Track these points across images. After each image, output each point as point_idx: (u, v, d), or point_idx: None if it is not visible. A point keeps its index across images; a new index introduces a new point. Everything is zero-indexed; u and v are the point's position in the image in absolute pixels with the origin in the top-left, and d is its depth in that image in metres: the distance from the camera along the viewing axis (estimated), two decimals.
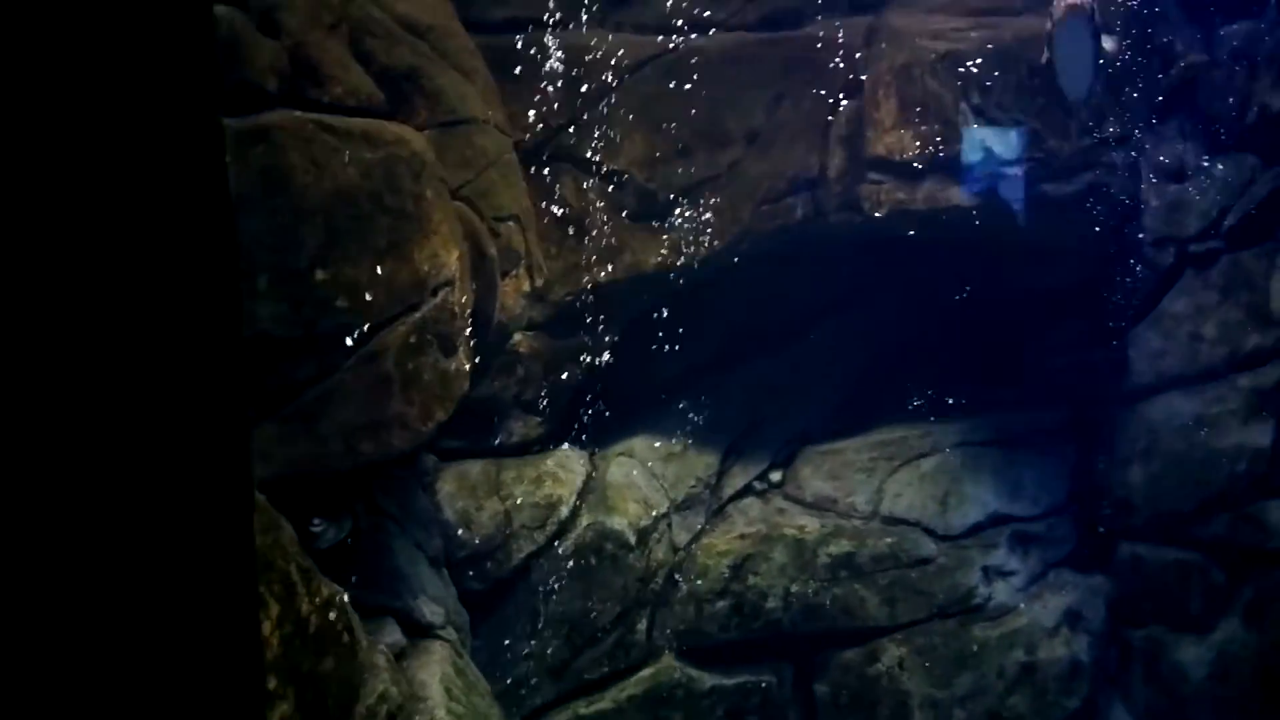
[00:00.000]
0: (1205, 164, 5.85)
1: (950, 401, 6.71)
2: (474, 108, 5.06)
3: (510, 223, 5.12)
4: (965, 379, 6.67)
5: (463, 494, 5.88)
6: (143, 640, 0.87)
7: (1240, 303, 5.73)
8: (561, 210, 5.95)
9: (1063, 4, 4.37)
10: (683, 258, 6.15)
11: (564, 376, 6.22)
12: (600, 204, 6.04)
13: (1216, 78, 5.88)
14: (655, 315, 6.38)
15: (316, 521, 4.36)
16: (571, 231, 6.01)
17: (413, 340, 4.36)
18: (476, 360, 5.04)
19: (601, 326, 6.24)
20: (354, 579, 4.32)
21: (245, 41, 3.94)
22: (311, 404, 4.17)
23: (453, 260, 4.52)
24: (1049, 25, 4.64)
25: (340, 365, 4.21)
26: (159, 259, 0.97)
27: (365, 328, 4.21)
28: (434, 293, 4.46)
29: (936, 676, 5.99)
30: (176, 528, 0.91)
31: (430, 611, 5.25)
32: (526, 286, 5.23)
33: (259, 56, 4.05)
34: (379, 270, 4.25)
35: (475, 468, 5.99)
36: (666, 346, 6.44)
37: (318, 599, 4.06)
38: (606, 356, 6.29)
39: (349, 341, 4.17)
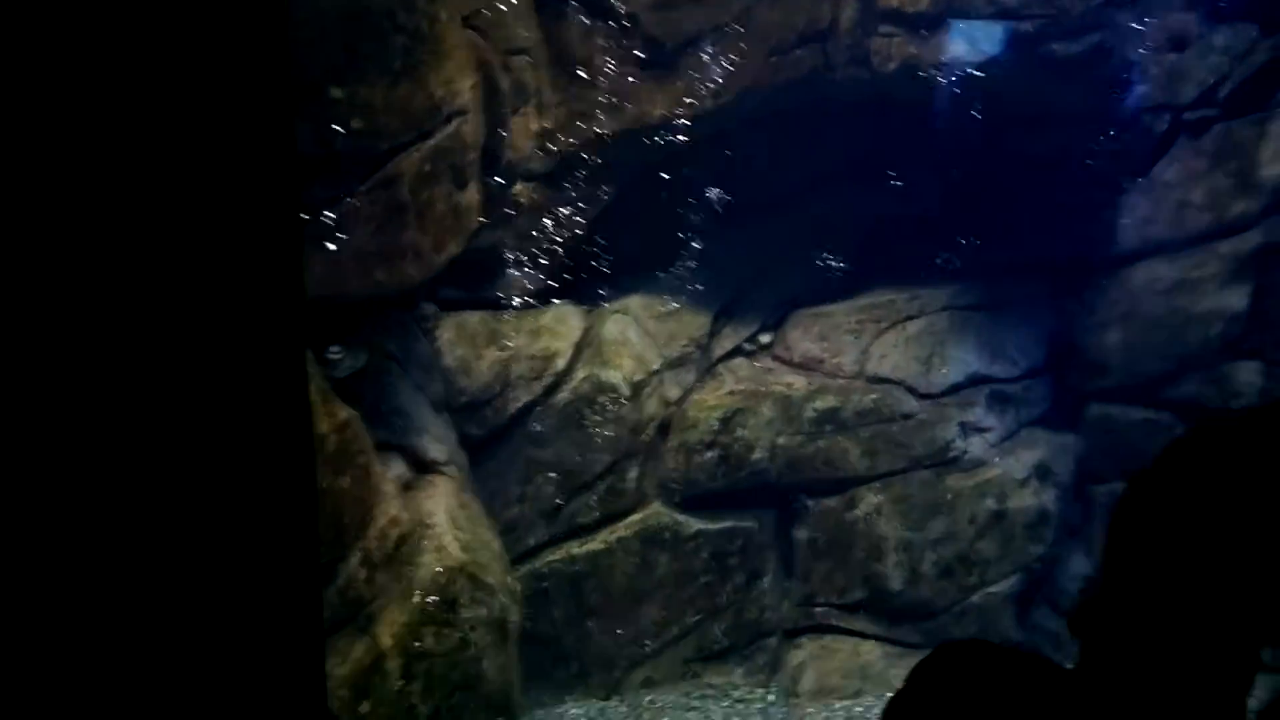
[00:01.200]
0: (1205, 33, 5.97)
1: (940, 264, 6.94)
2: None
3: (522, 56, 5.12)
4: (957, 245, 6.88)
5: (462, 343, 6.04)
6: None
7: (1229, 170, 5.97)
8: (568, 54, 5.90)
9: None
10: (687, 110, 6.17)
11: (563, 230, 6.30)
12: (608, 49, 5.99)
13: None
14: (655, 173, 6.44)
15: (334, 349, 4.51)
16: (576, 78, 5.98)
17: (427, 168, 4.43)
18: (485, 197, 5.11)
19: (602, 181, 6.30)
20: (362, 413, 4.51)
21: None
22: (328, 227, 4.25)
23: (466, 88, 4.54)
24: None
25: (356, 189, 4.28)
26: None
27: (382, 150, 4.26)
28: (448, 120, 4.50)
29: (911, 521, 6.45)
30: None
31: (434, 449, 5.50)
32: (535, 126, 5.27)
33: None
34: (394, 92, 4.27)
35: (474, 318, 6.14)
36: (665, 203, 6.52)
37: (336, 418, 4.26)
38: (605, 211, 6.36)
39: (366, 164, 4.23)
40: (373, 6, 4.20)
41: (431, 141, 4.44)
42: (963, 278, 6.94)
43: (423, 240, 4.49)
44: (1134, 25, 5.99)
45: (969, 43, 5.79)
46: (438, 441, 5.35)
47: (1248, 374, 5.94)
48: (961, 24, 5.74)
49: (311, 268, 4.32)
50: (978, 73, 5.94)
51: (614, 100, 6.07)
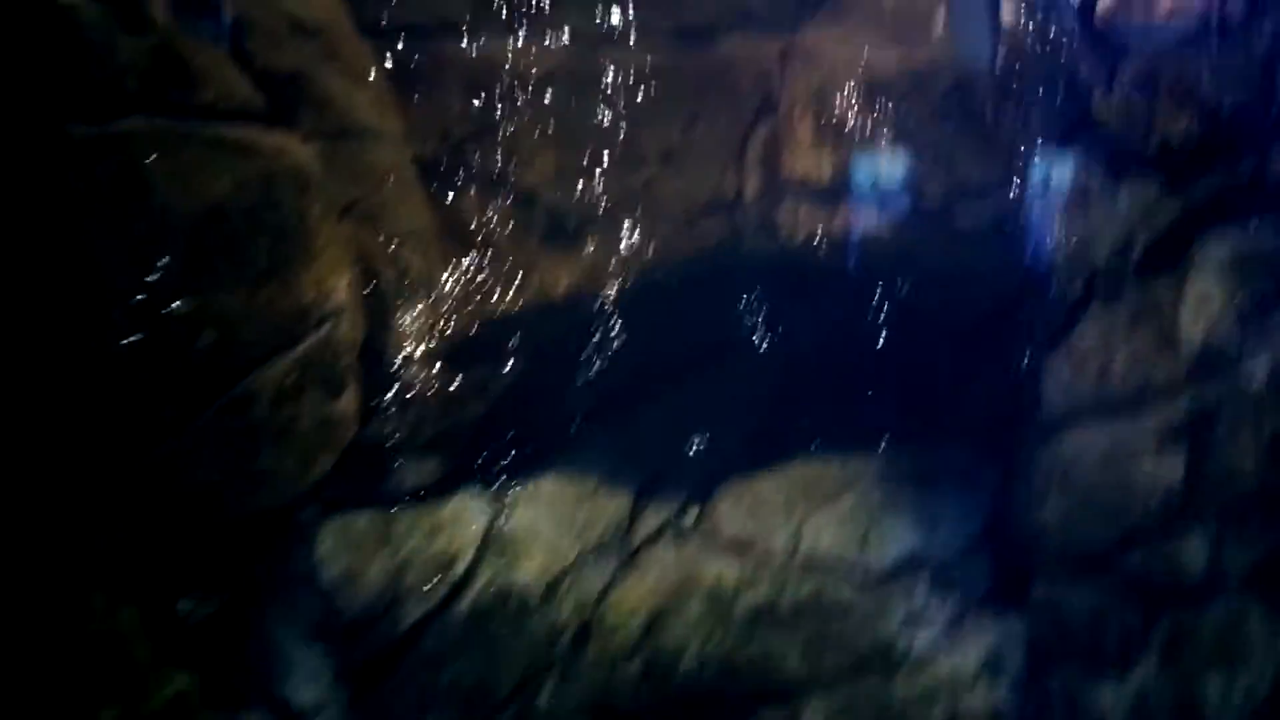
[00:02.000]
0: (1111, 191, 6.06)
1: (868, 432, 6.73)
2: (367, 117, 4.72)
3: (407, 245, 4.78)
4: (883, 408, 6.70)
5: (347, 551, 5.42)
6: None
7: (1149, 333, 5.93)
8: (464, 230, 5.63)
9: None
10: (593, 283, 5.94)
11: (465, 413, 5.87)
12: (507, 223, 5.76)
13: (1118, 103, 6.12)
14: (563, 344, 6.13)
15: (182, 600, 3.86)
16: (475, 253, 5.69)
17: (291, 381, 3.96)
18: (366, 399, 4.65)
19: (506, 357, 5.94)
20: (217, 661, 3.84)
21: (101, 39, 3.48)
22: (170, 456, 3.69)
23: (341, 287, 4.14)
24: None
25: (205, 412, 3.76)
26: None
27: (236, 365, 3.78)
28: (318, 324, 4.08)
29: None
30: None
31: (305, 691, 4.82)
32: (424, 314, 4.88)
33: (118, 55, 3.60)
34: (254, 298, 3.83)
35: (362, 519, 5.54)
36: (575, 377, 6.19)
37: (168, 691, 3.59)
38: (511, 390, 5.99)
39: (216, 382, 3.73)
40: (231, 206, 3.81)
41: (298, 350, 3.99)
42: (892, 445, 6.72)
43: (284, 463, 3.97)
44: (1039, 185, 6.06)
45: (876, 213, 5.75)
46: (310, 682, 4.65)
47: (1193, 546, 5.73)
48: (867, 195, 5.71)
49: (150, 502, 3.72)
50: (887, 240, 5.89)
51: (514, 275, 5.81)
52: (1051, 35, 5.93)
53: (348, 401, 4.26)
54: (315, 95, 4.51)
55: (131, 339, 3.45)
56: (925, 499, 6.64)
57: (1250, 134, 6.09)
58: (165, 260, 3.60)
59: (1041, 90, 5.86)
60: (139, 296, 3.51)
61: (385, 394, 5.09)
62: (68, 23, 3.24)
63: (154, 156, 3.60)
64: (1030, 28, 5.64)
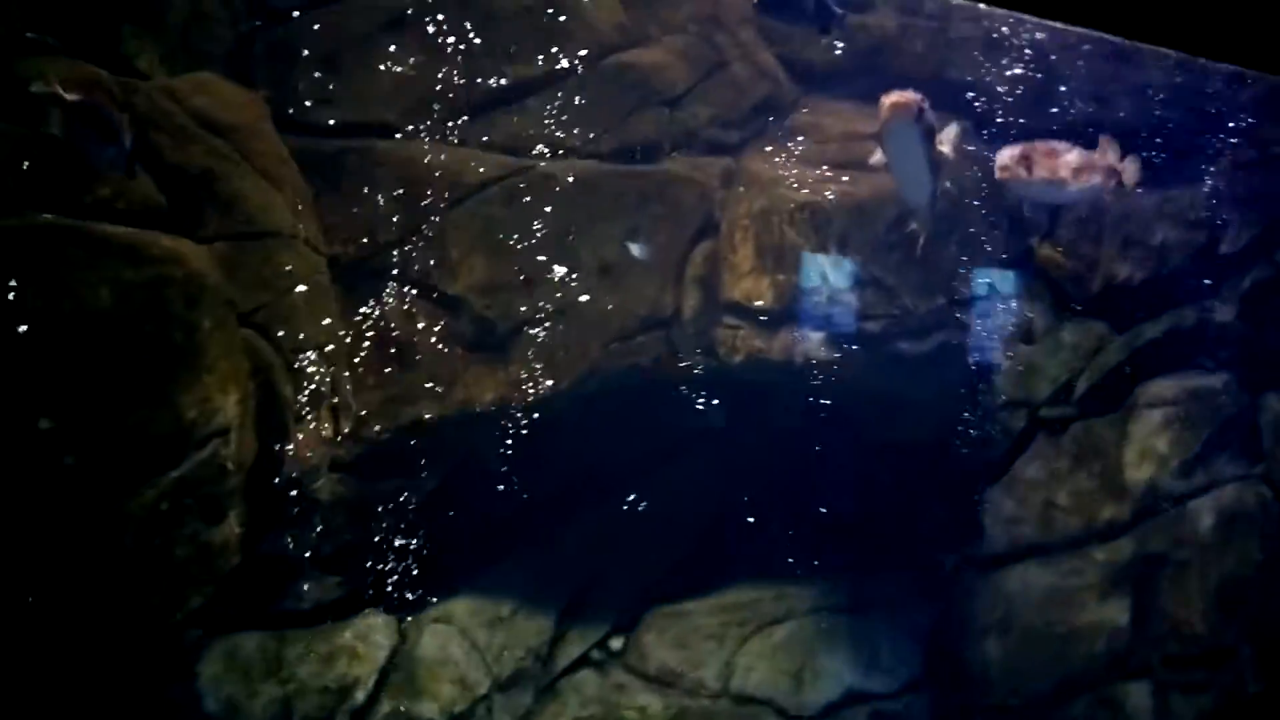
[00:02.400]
0: (1054, 328, 6.05)
1: (804, 559, 6.48)
2: (279, 219, 4.51)
3: (314, 356, 4.52)
4: (819, 534, 6.47)
5: (231, 677, 4.99)
6: None
7: (1093, 471, 5.85)
8: (385, 335, 5.39)
9: (886, 103, 4.30)
10: (522, 395, 5.69)
11: (373, 527, 5.51)
12: (432, 331, 5.53)
13: (1062, 242, 6.16)
14: (486, 456, 5.85)
15: None
16: (395, 360, 5.44)
17: (165, 507, 3.62)
18: (258, 518, 4.31)
19: (422, 468, 5.64)
20: None
21: None
22: (36, 582, 3.33)
23: (230, 404, 3.86)
24: (878, 127, 4.61)
25: (65, 539, 3.41)
26: None
27: (102, 490, 3.45)
28: (200, 445, 3.77)
29: None
30: None
31: None
32: (329, 431, 4.59)
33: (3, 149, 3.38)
34: (129, 418, 3.53)
35: (250, 642, 5.12)
36: (497, 491, 5.89)
37: None
38: (426, 503, 5.66)
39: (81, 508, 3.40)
40: (112, 317, 3.54)
41: (175, 473, 3.67)
42: (829, 573, 6.48)
43: (151, 597, 3.59)
44: (981, 319, 6.02)
45: (816, 338, 5.63)
46: None
47: (1138, 695, 5.52)
48: (807, 321, 5.60)
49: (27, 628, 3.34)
50: (828, 367, 5.75)
51: (437, 384, 5.56)
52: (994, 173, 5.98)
53: (230, 528, 3.93)
54: (224, 195, 4.30)
55: None
56: (863, 632, 6.37)
57: (1194, 281, 6.17)
58: (32, 378, 3.31)
59: (985, 227, 5.88)
60: None
61: (281, 510, 4.74)
62: None
63: (26, 260, 3.34)
64: (973, 166, 5.69)
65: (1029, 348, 6.02)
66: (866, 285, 5.61)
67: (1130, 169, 4.82)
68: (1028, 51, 6.02)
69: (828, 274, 5.60)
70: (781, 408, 6.21)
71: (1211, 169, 6.25)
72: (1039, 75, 6.07)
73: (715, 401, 6.09)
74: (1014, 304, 5.99)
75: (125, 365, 3.56)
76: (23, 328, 3.30)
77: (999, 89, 6.07)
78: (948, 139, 4.50)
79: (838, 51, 6.21)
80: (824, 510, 6.36)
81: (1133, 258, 6.10)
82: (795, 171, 5.76)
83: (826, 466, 6.29)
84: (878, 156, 4.54)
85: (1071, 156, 4.64)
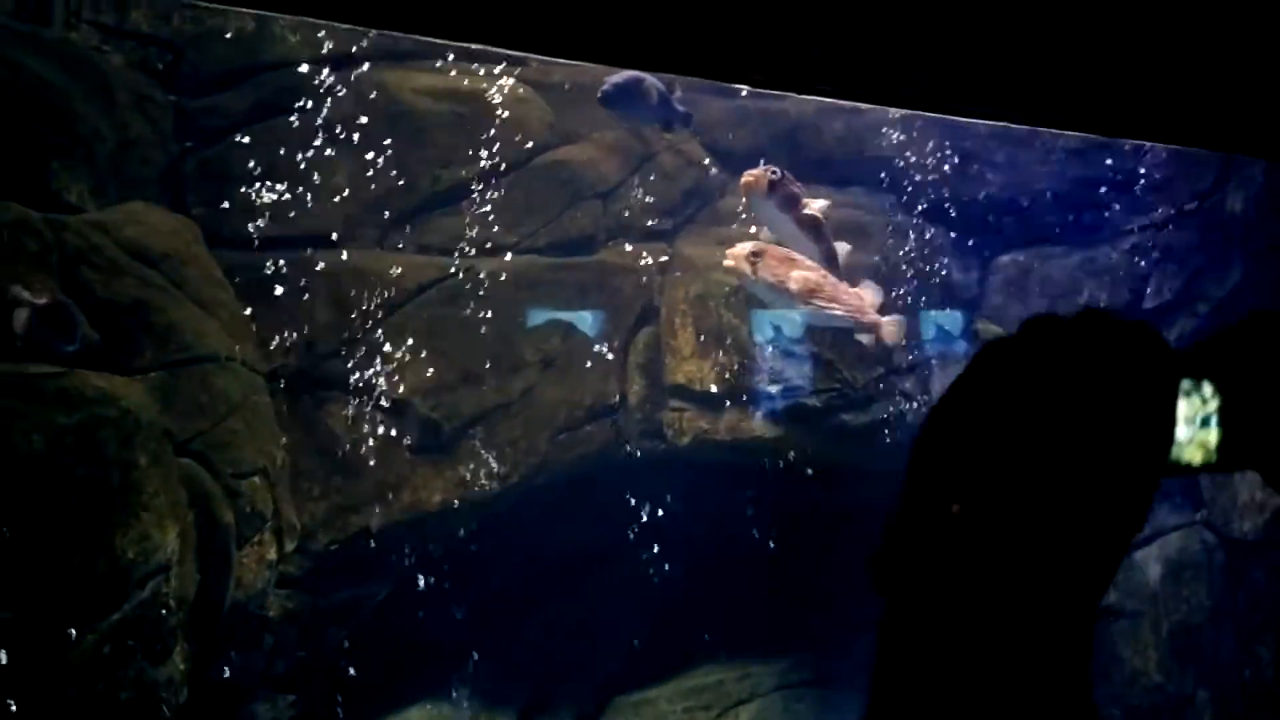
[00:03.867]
0: None
1: (765, 638, 6.57)
2: (214, 343, 4.61)
3: (254, 479, 4.58)
4: (780, 612, 6.57)
5: None
6: None
7: None
8: (329, 445, 5.47)
9: (742, 181, 4.53)
10: (472, 493, 5.78)
11: (325, 641, 5.52)
12: (376, 436, 5.62)
13: (994, 309, 6.46)
14: (438, 559, 5.90)
15: None
16: (340, 468, 5.52)
17: (107, 651, 3.64)
18: (204, 651, 4.32)
19: (373, 576, 5.68)
20: None
21: None
22: None
23: (169, 540, 3.90)
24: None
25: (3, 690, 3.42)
26: None
27: (39, 638, 3.47)
28: (141, 584, 3.80)
29: None
30: None
31: None
32: (273, 554, 4.64)
33: None
34: (65, 565, 3.57)
35: None
36: (450, 593, 5.93)
37: None
38: (378, 612, 5.69)
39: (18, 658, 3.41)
40: (43, 464, 3.61)
41: (116, 615, 3.70)
42: (792, 649, 6.56)
43: None
44: (921, 386, 6.25)
45: (760, 418, 5.82)
46: None
47: None
48: (750, 399, 5.79)
49: None
50: (772, 441, 5.94)
51: (383, 489, 5.63)
52: (927, 240, 6.29)
53: (175, 666, 3.94)
54: (158, 325, 4.40)
55: None
56: (829, 706, 6.45)
57: None
58: None
59: (919, 297, 6.16)
60: None
61: (229, 636, 4.75)
62: None
63: None
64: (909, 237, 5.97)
65: None
66: (805, 361, 5.82)
67: (891, 329, 4.94)
68: (944, 129, 6.39)
69: (767, 353, 5.82)
70: (730, 488, 6.36)
71: (1129, 228, 6.62)
72: (959, 150, 6.43)
73: (666, 484, 6.23)
74: (951, 369, 6.24)
75: (60, 510, 3.61)
76: None
77: (922, 165, 6.42)
78: (817, 208, 4.76)
79: (758, 135, 6.54)
80: (781, 588, 6.48)
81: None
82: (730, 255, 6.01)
83: (783, 540, 6.43)
84: (763, 231, 4.87)
85: (809, 275, 4.66)
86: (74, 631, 3.57)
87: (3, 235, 4.02)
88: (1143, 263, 6.71)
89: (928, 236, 6.34)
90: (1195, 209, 6.63)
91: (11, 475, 3.53)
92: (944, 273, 6.31)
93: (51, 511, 3.60)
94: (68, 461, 3.67)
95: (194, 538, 4.14)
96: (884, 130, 6.47)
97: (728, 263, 4.80)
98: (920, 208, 6.37)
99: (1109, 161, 6.62)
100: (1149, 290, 6.70)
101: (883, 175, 6.33)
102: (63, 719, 3.56)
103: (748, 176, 4.55)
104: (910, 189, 6.36)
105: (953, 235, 6.50)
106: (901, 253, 6.16)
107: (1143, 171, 6.70)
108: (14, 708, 3.43)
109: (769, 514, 6.39)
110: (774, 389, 5.83)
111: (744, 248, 4.75)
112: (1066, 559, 0.86)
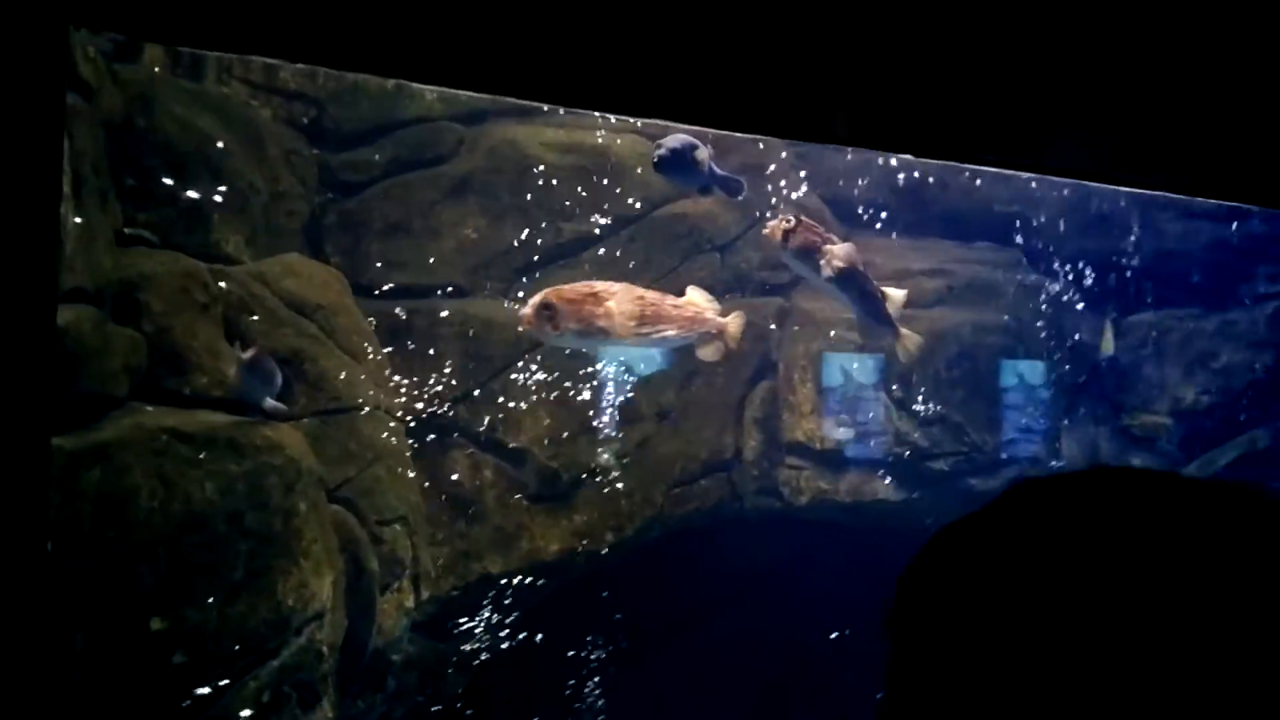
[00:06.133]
0: (1123, 456, 6.21)
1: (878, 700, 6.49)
2: (361, 392, 4.82)
3: (396, 525, 4.76)
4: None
5: None
6: None
7: None
8: (453, 491, 5.64)
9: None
10: (587, 544, 5.89)
11: (446, 687, 5.64)
12: (496, 483, 5.78)
13: (1125, 368, 6.38)
14: (553, 608, 6.00)
15: None
16: (462, 514, 5.68)
17: (266, 699, 3.80)
18: (343, 698, 4.47)
19: (491, 624, 5.80)
20: None
21: (92, 345, 3.60)
22: None
23: (324, 588, 4.08)
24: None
25: None
26: None
27: (209, 684, 3.65)
28: (299, 631, 3.97)
29: None
30: None
31: None
32: (410, 601, 4.79)
33: (109, 359, 3.72)
34: (230, 611, 3.75)
35: None
36: (562, 644, 6.02)
37: None
38: (494, 659, 5.80)
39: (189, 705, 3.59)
40: (216, 511, 3.81)
41: (275, 662, 3.87)
42: None
43: None
44: (1051, 450, 6.20)
45: (884, 480, 5.82)
46: None
47: None
48: (874, 460, 5.80)
49: None
50: (897, 505, 5.93)
51: (504, 537, 5.77)
52: (1055, 298, 6.25)
53: (324, 712, 4.09)
54: (312, 374, 4.62)
55: (96, 670, 3.35)
56: None
57: (1264, 403, 6.34)
58: (142, 577, 3.55)
59: (1047, 357, 6.13)
60: (110, 618, 3.44)
61: (363, 686, 4.90)
62: (56, 335, 3.35)
63: (137, 465, 3.63)
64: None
65: None
66: (932, 423, 5.82)
67: (735, 325, 4.62)
68: (1074, 183, 6.39)
69: (891, 414, 5.83)
70: (852, 547, 6.34)
71: (1270, 292, 6.50)
72: (1089, 207, 6.41)
73: (781, 542, 6.25)
74: (1080, 432, 6.18)
75: (228, 557, 3.81)
76: (140, 532, 3.56)
77: (1052, 222, 6.41)
78: (840, 254, 4.69)
79: (880, 188, 6.62)
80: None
81: (1197, 381, 6.31)
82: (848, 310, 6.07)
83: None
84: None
85: (624, 306, 4.23)
86: (239, 677, 3.74)
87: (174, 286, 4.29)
88: None
89: (1056, 294, 6.32)
90: None
91: (186, 522, 3.74)
92: (1074, 333, 6.27)
93: (221, 559, 3.79)
94: (237, 508, 3.86)
95: (343, 586, 4.30)
96: (1011, 185, 6.49)
97: (521, 327, 4.30)
98: (1049, 265, 6.35)
99: (1246, 224, 6.54)
100: None
101: (1010, 231, 6.33)
102: None
103: (765, 228, 4.54)
104: (1039, 246, 6.35)
105: (1082, 294, 6.46)
106: (1029, 310, 6.14)
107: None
108: None
109: (893, 568, 6.35)
110: (899, 450, 5.83)
111: (532, 304, 4.22)
112: None
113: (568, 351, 5.88)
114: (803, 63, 1.75)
